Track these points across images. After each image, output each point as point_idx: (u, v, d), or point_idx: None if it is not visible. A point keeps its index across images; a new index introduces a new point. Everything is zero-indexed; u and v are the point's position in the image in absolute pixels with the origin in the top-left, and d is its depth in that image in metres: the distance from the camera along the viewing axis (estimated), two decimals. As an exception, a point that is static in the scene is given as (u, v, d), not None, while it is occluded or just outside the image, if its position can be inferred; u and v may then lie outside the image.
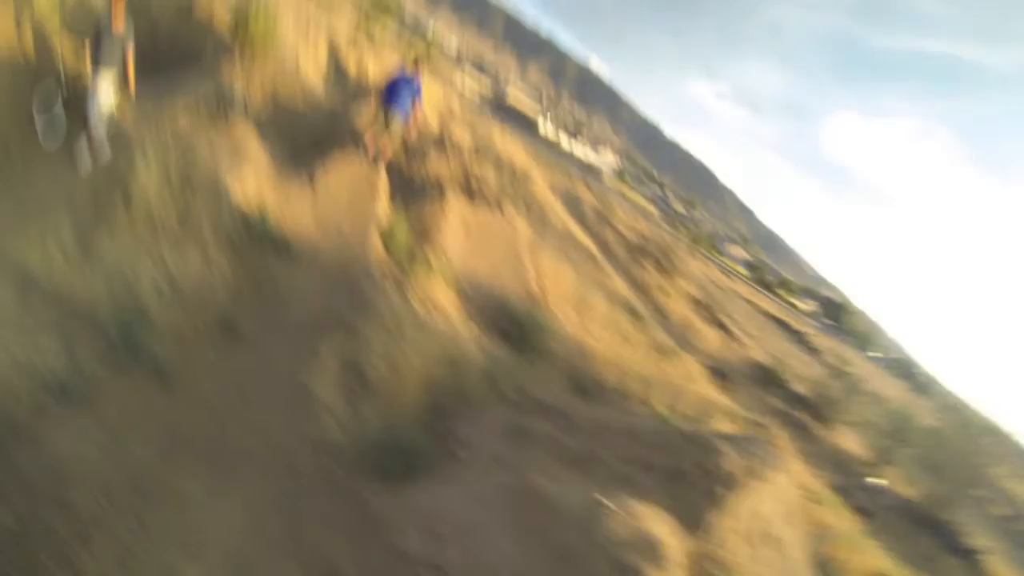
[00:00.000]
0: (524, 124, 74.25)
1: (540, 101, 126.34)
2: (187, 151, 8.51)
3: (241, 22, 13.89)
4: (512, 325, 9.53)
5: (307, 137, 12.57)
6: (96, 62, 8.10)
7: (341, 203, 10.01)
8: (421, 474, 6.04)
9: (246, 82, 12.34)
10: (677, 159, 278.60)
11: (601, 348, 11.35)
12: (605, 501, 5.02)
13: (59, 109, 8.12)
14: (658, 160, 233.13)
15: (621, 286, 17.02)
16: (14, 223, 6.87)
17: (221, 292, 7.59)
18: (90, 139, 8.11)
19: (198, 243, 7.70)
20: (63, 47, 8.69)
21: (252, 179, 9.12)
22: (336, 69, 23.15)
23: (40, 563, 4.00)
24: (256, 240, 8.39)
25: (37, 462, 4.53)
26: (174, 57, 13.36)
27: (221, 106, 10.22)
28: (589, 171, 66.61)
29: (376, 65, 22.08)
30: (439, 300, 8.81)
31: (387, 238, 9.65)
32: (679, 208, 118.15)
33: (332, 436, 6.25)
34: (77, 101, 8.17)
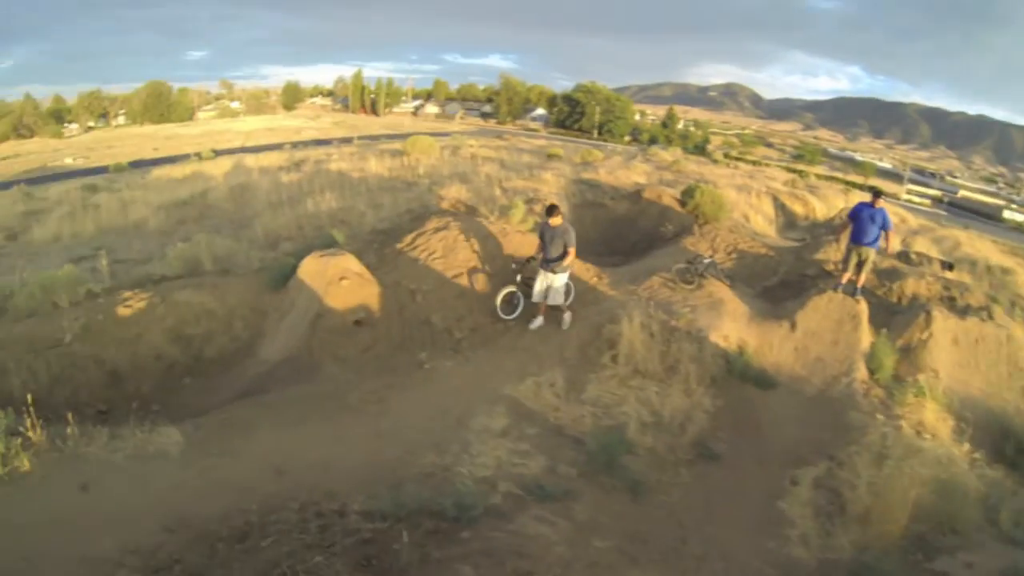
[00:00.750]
0: (985, 217, 69.44)
1: (995, 186, 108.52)
2: (666, 308, 9.75)
3: (690, 199, 15.85)
4: (1015, 447, 8.31)
5: (775, 279, 12.98)
6: (543, 251, 9.85)
7: (821, 335, 9.76)
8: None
9: (709, 246, 13.60)
10: None
11: None
12: None
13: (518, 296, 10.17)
14: None
15: None
16: (504, 373, 8.68)
17: (700, 421, 8.04)
18: (542, 314, 10.02)
19: (680, 382, 8.47)
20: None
21: (729, 322, 9.72)
22: (785, 217, 22.97)
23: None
24: (736, 375, 8.79)
25: (502, 531, 5.39)
26: (636, 242, 15.62)
27: (691, 270, 11.36)
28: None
29: (821, 204, 21.07)
30: (928, 421, 8.20)
31: (871, 363, 9.21)
32: None
33: (800, 559, 6.00)
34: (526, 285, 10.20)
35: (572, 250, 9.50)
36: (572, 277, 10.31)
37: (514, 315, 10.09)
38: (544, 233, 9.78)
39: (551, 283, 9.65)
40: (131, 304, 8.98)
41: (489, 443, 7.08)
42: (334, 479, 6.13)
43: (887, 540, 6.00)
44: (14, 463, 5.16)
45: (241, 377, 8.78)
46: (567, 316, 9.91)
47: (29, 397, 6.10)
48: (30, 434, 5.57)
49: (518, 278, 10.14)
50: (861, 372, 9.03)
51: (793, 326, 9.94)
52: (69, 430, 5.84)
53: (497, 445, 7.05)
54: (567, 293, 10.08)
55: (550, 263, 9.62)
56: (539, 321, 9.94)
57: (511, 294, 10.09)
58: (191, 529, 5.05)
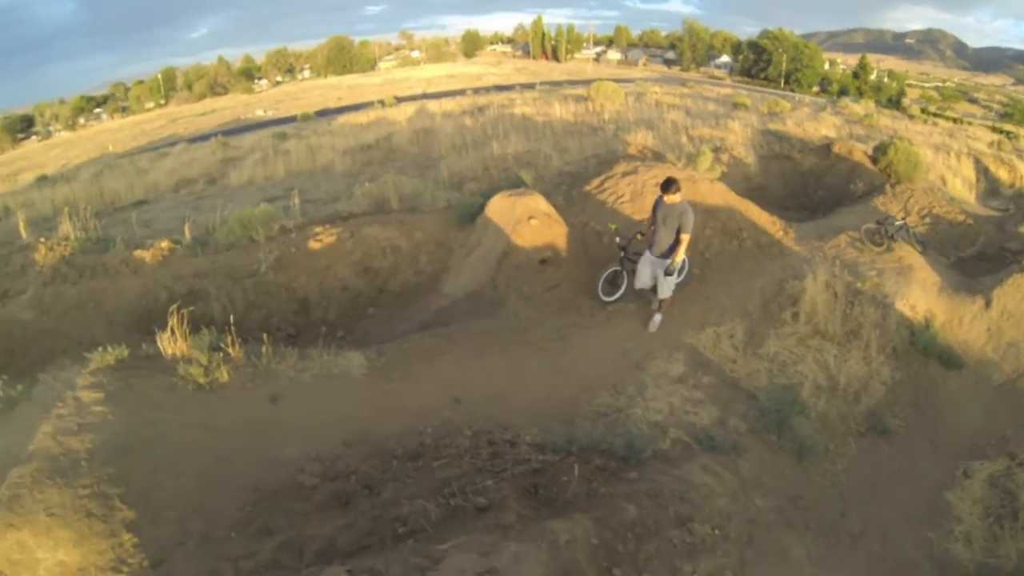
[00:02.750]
0: None
1: None
2: (853, 270, 9.18)
3: (882, 156, 14.50)
4: None
5: (972, 250, 11.96)
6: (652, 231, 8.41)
7: (1018, 318, 8.84)
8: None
9: (901, 208, 12.48)
10: None
11: None
12: None
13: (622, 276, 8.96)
14: None
15: None
16: (686, 320, 8.59)
17: (877, 393, 7.62)
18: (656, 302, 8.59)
19: (860, 348, 8.02)
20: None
21: (918, 292, 9.01)
22: (987, 183, 20.35)
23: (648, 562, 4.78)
24: (920, 350, 8.19)
25: (668, 476, 5.42)
26: (823, 198, 14.55)
27: (881, 231, 10.55)
28: None
29: None
30: None
31: None
32: None
33: (959, 557, 5.74)
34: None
35: (686, 237, 7.99)
36: (755, 231, 9.92)
37: (615, 297, 8.91)
38: (658, 210, 8.20)
39: (659, 275, 8.28)
40: (321, 238, 9.73)
41: (664, 388, 7.14)
42: (509, 411, 6.45)
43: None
44: (215, 375, 5.79)
45: (424, 310, 9.22)
46: (658, 318, 8.54)
47: (231, 319, 6.84)
48: (230, 350, 6.24)
49: (622, 254, 8.86)
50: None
51: (988, 304, 9.00)
52: (263, 349, 6.44)
53: (672, 391, 7.10)
54: (681, 273, 8.78)
55: (661, 251, 8.24)
56: (658, 320, 8.56)
57: (614, 273, 8.90)
58: (368, 445, 5.53)
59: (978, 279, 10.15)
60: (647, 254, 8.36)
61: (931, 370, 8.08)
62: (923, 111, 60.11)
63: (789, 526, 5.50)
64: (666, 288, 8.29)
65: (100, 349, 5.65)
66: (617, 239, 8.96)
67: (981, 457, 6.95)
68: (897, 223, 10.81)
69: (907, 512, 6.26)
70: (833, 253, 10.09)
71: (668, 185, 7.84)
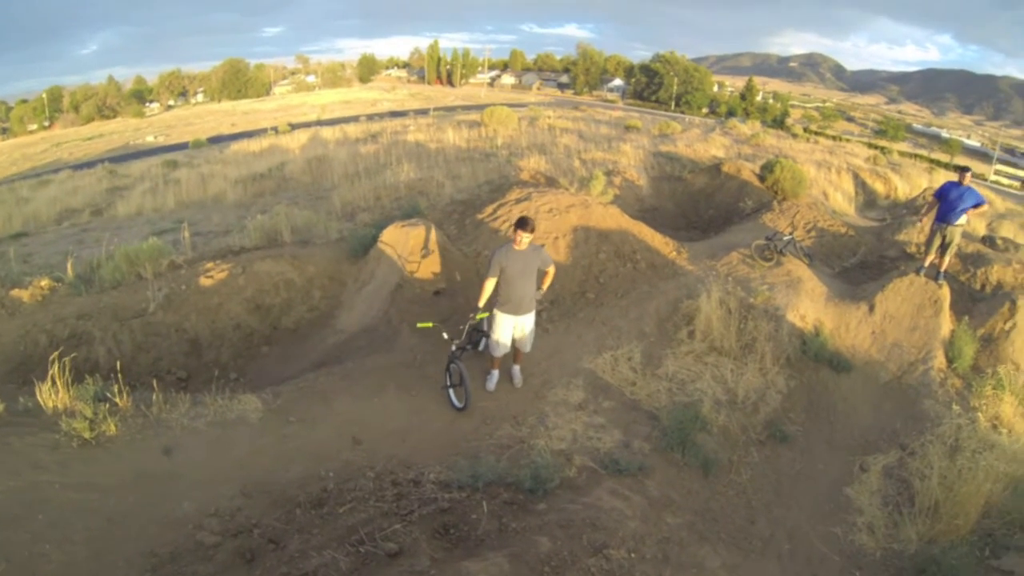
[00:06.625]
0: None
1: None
2: (745, 286, 9.54)
3: (769, 175, 15.59)
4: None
5: (854, 260, 12.65)
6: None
7: (899, 319, 9.39)
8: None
9: (788, 223, 13.20)
10: None
11: None
12: None
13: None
14: None
15: None
16: (583, 346, 8.64)
17: (773, 402, 7.92)
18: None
19: (755, 360, 8.32)
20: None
21: (807, 303, 9.45)
22: (865, 195, 22.00)
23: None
24: (811, 357, 8.58)
25: (577, 504, 5.37)
26: (714, 216, 15.25)
27: (770, 247, 11.07)
28: None
29: (903, 183, 20.09)
30: (1006, 415, 7.87)
31: (950, 352, 8.91)
32: None
33: (865, 547, 6.01)
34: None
35: (553, 268, 7.30)
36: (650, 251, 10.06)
37: (465, 397, 7.10)
38: (510, 263, 6.91)
39: (526, 330, 7.36)
40: (212, 275, 9.28)
41: (565, 416, 7.14)
42: (411, 448, 6.29)
43: (955, 535, 5.84)
44: (101, 428, 5.36)
45: (319, 346, 8.96)
46: (518, 370, 7.79)
47: (118, 364, 6.39)
48: (117, 400, 5.80)
49: (456, 349, 7.19)
50: (939, 360, 8.68)
51: (871, 309, 9.54)
52: (154, 396, 6.05)
53: (574, 418, 7.11)
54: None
55: (528, 306, 7.20)
56: (519, 372, 7.79)
57: (457, 375, 7.10)
58: (269, 494, 5.25)
59: (861, 286, 10.72)
60: (506, 318, 7.17)
61: (823, 375, 8.46)
62: (805, 130, 64.48)
63: (702, 539, 5.59)
64: (531, 339, 7.50)
65: (-29, 403, 5.14)
66: (445, 335, 7.34)
67: (875, 451, 7.32)
68: (785, 238, 11.31)
69: (812, 511, 6.51)
70: (726, 270, 10.46)
71: (524, 223, 6.78)
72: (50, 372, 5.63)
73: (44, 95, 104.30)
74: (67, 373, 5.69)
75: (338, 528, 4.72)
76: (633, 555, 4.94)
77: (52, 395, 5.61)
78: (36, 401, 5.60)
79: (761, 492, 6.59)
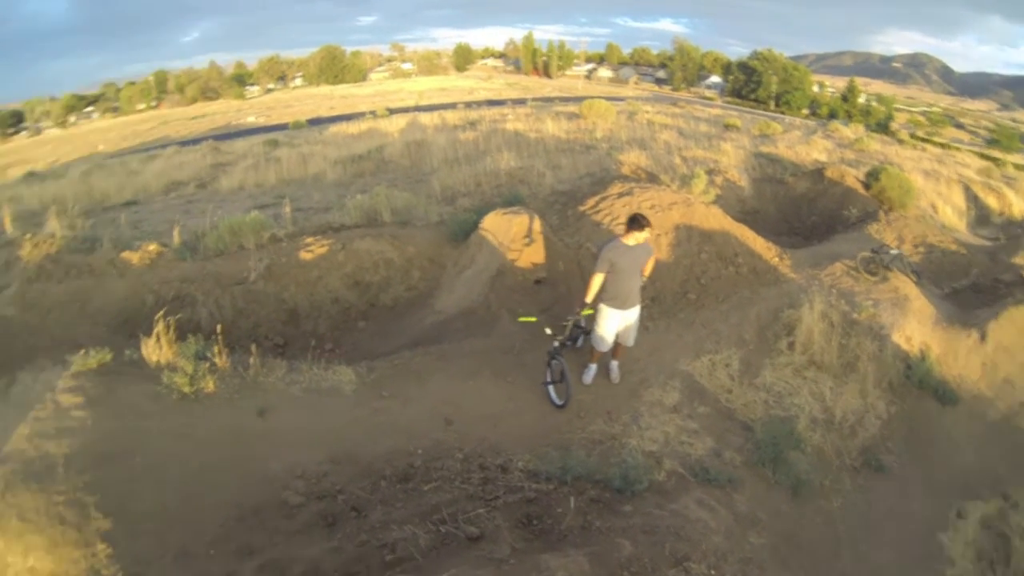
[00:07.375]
0: None
1: None
2: (849, 300, 9.13)
3: (874, 182, 14.93)
4: None
5: (966, 281, 11.99)
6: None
7: (1013, 353, 8.73)
8: None
9: (895, 236, 12.52)
10: None
11: None
12: None
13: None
14: None
15: None
16: (681, 347, 8.45)
17: (872, 428, 7.50)
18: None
19: (856, 380, 7.91)
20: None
21: (914, 324, 8.94)
22: (977, 211, 20.51)
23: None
24: (915, 384, 8.08)
25: (664, 510, 5.24)
26: (817, 223, 14.57)
27: (876, 260, 10.57)
28: None
29: (1018, 199, 18.71)
30: None
31: None
32: None
33: None
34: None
35: (653, 258, 7.28)
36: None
37: (567, 394, 7.03)
38: (619, 258, 6.83)
39: (630, 325, 7.33)
40: (312, 249, 9.61)
41: (659, 417, 7.00)
42: (501, 435, 6.30)
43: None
44: (200, 384, 5.60)
45: (416, 326, 9.09)
46: (616, 364, 7.79)
47: (219, 327, 6.68)
48: (216, 360, 6.08)
49: (558, 345, 7.27)
50: (1058, 403, 7.98)
51: (983, 337, 8.87)
52: (252, 359, 6.29)
53: (667, 420, 6.96)
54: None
55: (634, 301, 7.18)
56: (593, 371, 7.71)
57: (559, 372, 7.11)
58: (357, 464, 5.35)
59: (973, 311, 10.07)
60: (612, 312, 7.14)
61: (926, 405, 7.96)
62: (912, 136, 60.12)
63: (783, 566, 5.37)
64: (634, 335, 7.47)
65: (83, 352, 5.45)
66: (548, 331, 7.33)
67: (974, 497, 6.84)
68: (892, 252, 10.74)
69: (900, 552, 6.13)
70: (829, 281, 10.05)
71: (638, 222, 6.69)
72: (155, 329, 5.92)
73: (151, 78, 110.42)
74: (171, 331, 5.98)
75: (421, 505, 4.78)
76: (713, 572, 4.78)
77: (156, 350, 5.89)
78: (140, 355, 5.88)
79: (850, 524, 6.25)
